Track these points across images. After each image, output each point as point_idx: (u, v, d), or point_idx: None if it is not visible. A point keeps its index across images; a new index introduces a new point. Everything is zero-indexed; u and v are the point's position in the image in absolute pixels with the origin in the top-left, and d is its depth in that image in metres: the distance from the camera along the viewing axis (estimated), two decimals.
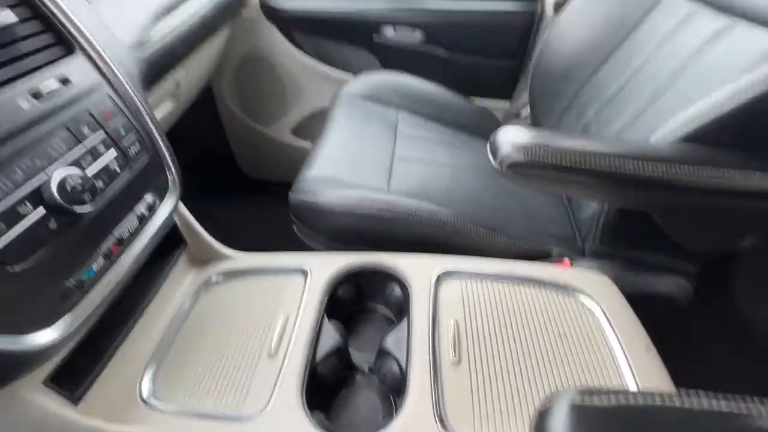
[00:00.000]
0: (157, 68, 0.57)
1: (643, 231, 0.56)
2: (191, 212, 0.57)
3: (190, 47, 0.69)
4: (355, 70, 1.12)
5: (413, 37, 1.08)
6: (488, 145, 0.47)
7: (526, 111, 1.06)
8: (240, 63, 1.14)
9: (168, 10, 0.61)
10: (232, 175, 1.37)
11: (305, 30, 1.09)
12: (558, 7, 0.96)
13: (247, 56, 1.13)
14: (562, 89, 0.82)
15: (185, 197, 0.52)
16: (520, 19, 1.05)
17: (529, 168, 0.44)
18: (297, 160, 0.76)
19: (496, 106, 1.15)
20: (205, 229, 0.57)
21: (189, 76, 0.84)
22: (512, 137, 0.45)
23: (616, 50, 0.73)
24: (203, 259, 0.57)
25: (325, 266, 0.53)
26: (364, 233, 0.61)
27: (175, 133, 0.86)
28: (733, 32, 0.56)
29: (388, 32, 1.07)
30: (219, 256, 0.57)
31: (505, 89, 1.13)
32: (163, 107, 0.77)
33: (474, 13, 1.05)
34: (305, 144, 1.24)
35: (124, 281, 0.42)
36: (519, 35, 1.07)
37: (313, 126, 1.22)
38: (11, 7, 0.36)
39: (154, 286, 0.51)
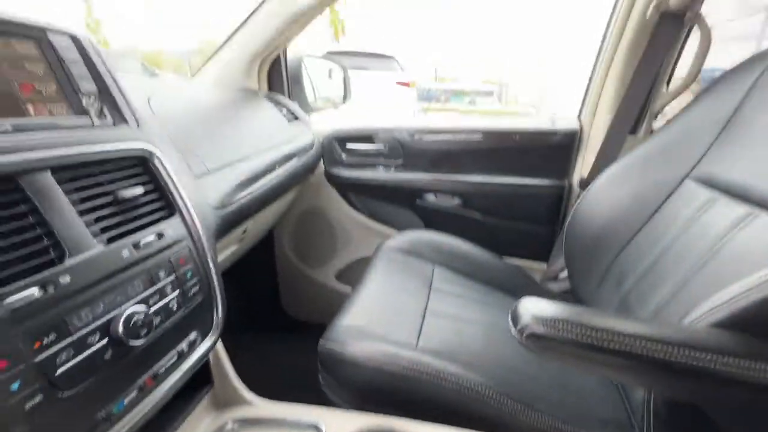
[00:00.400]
0: (232, 223, 0.70)
1: (704, 426, 0.49)
2: (229, 341, 0.60)
3: (262, 207, 0.84)
4: (398, 226, 1.25)
5: (452, 202, 1.22)
6: (510, 312, 0.48)
7: (564, 274, 1.07)
8: (300, 215, 1.34)
9: (252, 181, 0.78)
10: (274, 312, 1.43)
11: (359, 192, 1.29)
12: (583, 185, 1.07)
13: (307, 210, 1.33)
14: (596, 258, 0.84)
15: (225, 326, 0.56)
16: (550, 192, 1.16)
17: (549, 342, 0.43)
18: (336, 304, 0.80)
19: (533, 267, 1.17)
20: (238, 359, 0.60)
21: (256, 225, 1.00)
22: (533, 308, 0.47)
23: (643, 227, 0.77)
24: (225, 401, 0.58)
25: (340, 427, 0.50)
26: (386, 391, 0.59)
27: (230, 266, 0.97)
28: (755, 221, 0.58)
29: (430, 197, 1.23)
30: (240, 401, 0.58)
31: (541, 252, 1.18)
32: (228, 250, 0.90)
33: (506, 186, 1.18)
34: (347, 289, 1.31)
35: (148, 417, 0.44)
36: (550, 205, 1.16)
37: (355, 273, 1.31)
38: (142, 184, 0.49)
39: (172, 426, 0.51)
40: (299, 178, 1.06)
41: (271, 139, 0.93)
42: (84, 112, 0.46)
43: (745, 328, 0.43)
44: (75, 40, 0.47)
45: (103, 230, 0.43)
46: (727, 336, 0.43)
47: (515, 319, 0.46)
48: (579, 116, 1.15)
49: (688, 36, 0.97)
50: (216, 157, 0.71)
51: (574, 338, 0.43)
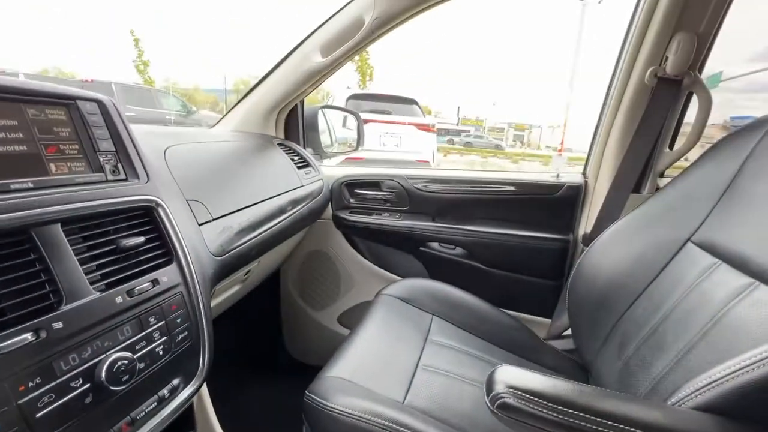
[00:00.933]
0: (230, 268, 0.73)
1: None
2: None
3: (262, 252, 0.87)
4: (402, 272, 1.26)
5: (455, 251, 1.22)
6: (485, 380, 0.48)
7: (568, 331, 1.04)
8: (306, 255, 1.37)
9: (254, 227, 0.81)
10: (276, 351, 1.43)
11: (365, 237, 1.31)
12: (586, 241, 1.05)
13: (313, 251, 1.36)
14: (600, 317, 0.82)
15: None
16: (554, 246, 1.15)
17: (520, 414, 0.42)
18: (335, 348, 0.81)
19: (536, 322, 1.14)
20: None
21: (260, 266, 1.03)
22: (509, 377, 0.46)
23: (646, 290, 0.75)
24: None
25: None
26: None
27: (234, 304, 0.99)
28: (754, 292, 0.57)
29: (434, 245, 1.24)
30: None
31: (544, 307, 1.15)
32: (230, 290, 0.93)
33: (511, 237, 1.18)
34: (347, 333, 1.30)
35: None
36: (555, 259, 1.15)
37: (357, 317, 1.30)
38: (143, 233, 0.53)
39: None
40: (305, 222, 1.10)
41: (279, 186, 0.98)
42: (100, 168, 0.51)
43: (727, 412, 0.41)
44: (100, 104, 0.54)
45: (104, 276, 0.47)
46: (708, 421, 0.41)
47: (489, 386, 0.46)
48: (584, 172, 1.16)
49: (689, 99, 0.99)
50: (222, 204, 0.75)
51: (545, 415, 0.41)
